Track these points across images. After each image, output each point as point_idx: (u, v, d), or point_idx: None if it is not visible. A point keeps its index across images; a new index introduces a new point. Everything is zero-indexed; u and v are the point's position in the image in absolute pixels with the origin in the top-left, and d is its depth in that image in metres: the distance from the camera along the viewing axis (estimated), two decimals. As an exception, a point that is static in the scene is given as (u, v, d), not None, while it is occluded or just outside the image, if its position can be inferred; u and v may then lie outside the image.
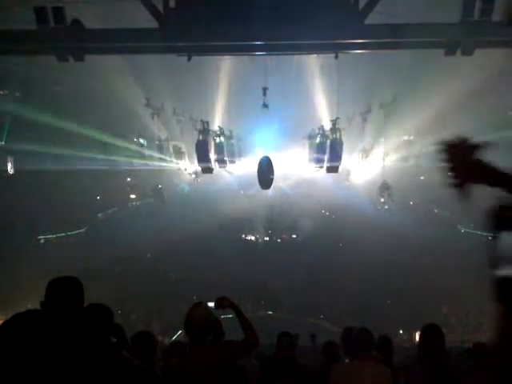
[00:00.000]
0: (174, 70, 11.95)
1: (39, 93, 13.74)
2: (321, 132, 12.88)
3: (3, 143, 15.89)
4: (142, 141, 14.68)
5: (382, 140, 14.86)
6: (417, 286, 17.12)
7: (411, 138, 14.42)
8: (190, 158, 15.45)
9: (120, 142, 15.49)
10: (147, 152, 14.93)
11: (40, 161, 16.33)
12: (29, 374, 1.96)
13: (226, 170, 15.79)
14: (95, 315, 2.87)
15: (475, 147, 1.65)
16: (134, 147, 14.99)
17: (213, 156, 13.24)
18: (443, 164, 1.65)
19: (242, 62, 12.41)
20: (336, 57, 8.29)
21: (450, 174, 1.64)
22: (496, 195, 1.54)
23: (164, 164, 15.81)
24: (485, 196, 1.59)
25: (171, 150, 15.35)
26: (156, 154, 15.06)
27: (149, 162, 15.30)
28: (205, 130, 12.78)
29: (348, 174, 16.94)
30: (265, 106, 11.11)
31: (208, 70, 12.29)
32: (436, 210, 18.88)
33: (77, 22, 7.64)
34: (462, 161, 1.64)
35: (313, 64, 12.69)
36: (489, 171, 1.64)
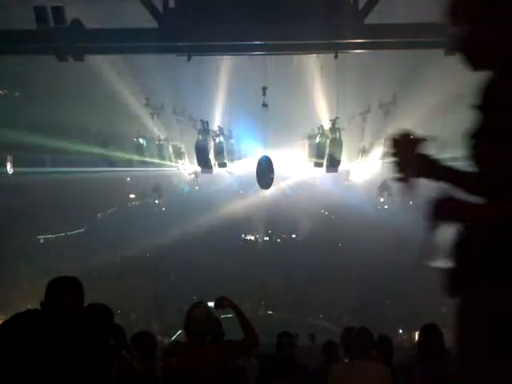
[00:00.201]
0: (174, 70, 11.93)
1: (38, 93, 13.74)
2: (320, 132, 12.88)
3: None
4: (141, 141, 14.67)
5: (382, 140, 14.83)
6: (417, 286, 17.12)
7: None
8: (190, 158, 15.44)
9: (119, 147, 15.41)
10: (147, 152, 14.93)
11: (39, 161, 16.35)
12: (28, 375, 1.95)
13: (226, 170, 15.78)
14: (95, 315, 2.87)
15: (419, 141, 1.69)
16: (133, 149, 14.95)
17: (212, 156, 13.23)
18: (389, 158, 1.68)
19: (242, 61, 12.40)
20: (335, 57, 8.29)
21: (395, 168, 1.68)
22: (437, 189, 1.55)
23: (163, 164, 15.81)
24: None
25: (171, 150, 15.35)
26: (155, 155, 15.05)
27: (148, 163, 15.28)
28: (204, 130, 12.77)
29: (348, 173, 16.90)
30: (264, 105, 11.12)
31: (207, 70, 12.27)
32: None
33: (77, 22, 7.64)
34: (407, 155, 1.66)
35: (312, 64, 12.66)
36: (433, 166, 1.69)
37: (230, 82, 13.52)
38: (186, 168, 16.51)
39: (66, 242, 20.62)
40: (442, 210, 1.53)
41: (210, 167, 13.25)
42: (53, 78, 12.05)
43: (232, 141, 14.27)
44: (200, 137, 12.67)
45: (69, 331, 1.94)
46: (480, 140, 1.55)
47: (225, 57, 11.81)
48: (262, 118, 12.24)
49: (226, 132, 13.72)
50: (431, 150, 1.68)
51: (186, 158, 15.78)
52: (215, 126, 13.65)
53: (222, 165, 13.64)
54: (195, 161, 13.43)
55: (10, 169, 15.94)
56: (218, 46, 8.42)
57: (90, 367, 2.08)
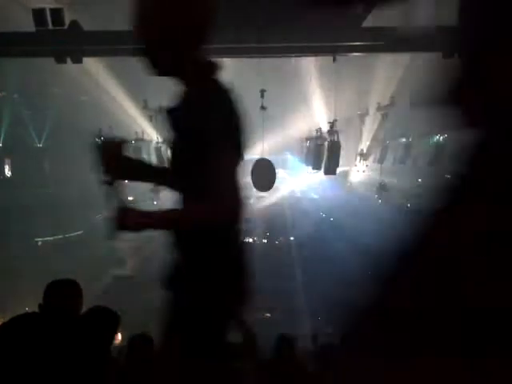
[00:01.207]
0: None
1: (37, 94, 13.73)
2: (318, 134, 12.88)
3: (0, 145, 15.88)
4: (139, 143, 14.66)
5: (380, 142, 14.88)
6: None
7: (410, 139, 14.44)
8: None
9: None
10: (145, 155, 14.92)
11: (37, 163, 16.34)
12: (26, 377, 1.95)
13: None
14: (97, 319, 2.85)
15: (120, 145, 1.86)
16: (131, 151, 14.93)
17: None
18: (96, 163, 1.80)
19: (240, 64, 12.41)
20: (334, 59, 8.31)
21: (101, 171, 1.72)
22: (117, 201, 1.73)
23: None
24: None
25: (169, 152, 15.32)
26: (153, 157, 15.04)
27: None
28: (203, 132, 12.74)
29: (346, 175, 16.93)
30: (263, 108, 11.13)
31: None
32: (434, 212, 18.87)
33: (75, 24, 7.64)
34: (111, 159, 1.83)
35: (311, 66, 12.69)
36: (136, 167, 1.86)
37: (229, 84, 13.54)
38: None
39: (64, 245, 20.55)
40: (121, 222, 1.75)
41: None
42: (51, 80, 12.05)
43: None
44: (198, 139, 12.65)
45: (66, 334, 1.94)
46: (173, 151, 1.84)
47: (223, 59, 11.83)
48: (260, 120, 12.24)
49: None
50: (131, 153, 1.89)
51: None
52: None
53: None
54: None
55: (8, 171, 15.93)
56: (215, 49, 8.41)
57: (87, 370, 2.08)
